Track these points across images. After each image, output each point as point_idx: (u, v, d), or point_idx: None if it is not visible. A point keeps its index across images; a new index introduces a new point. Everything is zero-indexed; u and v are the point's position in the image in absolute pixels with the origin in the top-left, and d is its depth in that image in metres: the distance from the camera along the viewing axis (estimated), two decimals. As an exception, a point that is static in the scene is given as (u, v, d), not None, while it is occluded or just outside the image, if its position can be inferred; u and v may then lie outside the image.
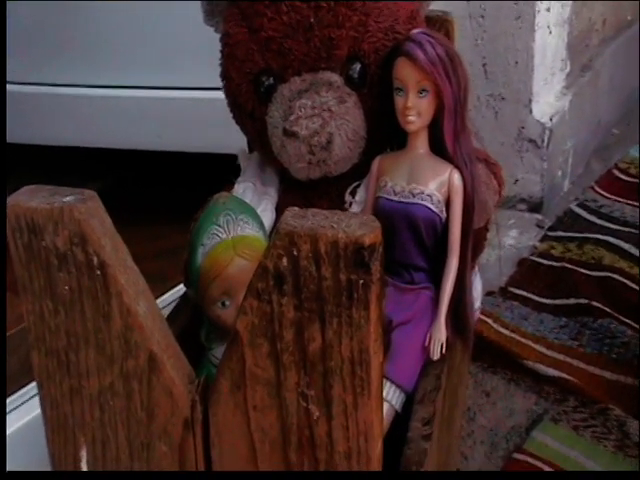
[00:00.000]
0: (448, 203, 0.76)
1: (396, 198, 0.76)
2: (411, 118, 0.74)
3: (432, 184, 0.75)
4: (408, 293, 0.78)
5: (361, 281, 0.52)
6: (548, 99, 1.66)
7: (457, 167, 0.75)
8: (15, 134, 1.51)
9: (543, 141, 1.59)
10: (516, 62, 1.57)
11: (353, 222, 0.51)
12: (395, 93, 0.75)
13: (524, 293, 1.37)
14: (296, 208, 0.53)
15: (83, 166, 1.72)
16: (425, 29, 0.79)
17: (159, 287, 1.18)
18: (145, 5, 1.35)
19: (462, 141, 0.75)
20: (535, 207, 1.65)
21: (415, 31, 0.76)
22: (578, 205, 1.68)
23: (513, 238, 1.57)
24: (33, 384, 0.96)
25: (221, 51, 0.84)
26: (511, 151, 1.62)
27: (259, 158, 0.88)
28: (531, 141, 1.60)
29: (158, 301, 1.23)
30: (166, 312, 0.84)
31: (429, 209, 0.75)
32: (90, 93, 1.44)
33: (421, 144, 0.76)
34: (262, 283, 0.54)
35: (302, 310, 0.54)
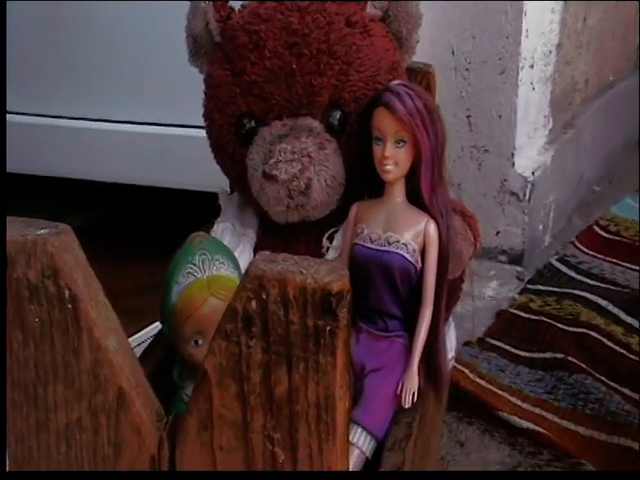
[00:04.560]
0: (423, 253, 0.76)
1: (372, 245, 0.77)
2: (388, 167, 0.75)
3: (408, 233, 0.76)
4: (382, 340, 0.78)
5: (328, 327, 0.52)
6: (530, 153, 1.67)
7: (433, 218, 0.76)
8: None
9: (525, 194, 1.61)
10: (500, 116, 1.59)
11: (322, 269, 0.52)
12: (374, 142, 0.76)
13: (501, 345, 1.37)
14: (267, 252, 0.54)
15: (65, 198, 1.73)
16: (405, 81, 0.80)
17: (139, 323, 1.18)
18: (136, 42, 1.37)
19: (439, 192, 0.76)
20: (516, 259, 1.66)
21: (395, 82, 0.77)
22: (558, 260, 1.69)
23: (493, 289, 1.58)
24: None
25: (205, 92, 0.86)
26: (493, 203, 1.63)
27: (239, 199, 0.89)
28: (513, 194, 1.62)
29: (136, 337, 1.23)
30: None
31: (404, 258, 0.75)
32: (78, 125, 1.45)
33: (398, 193, 0.77)
34: (231, 324, 0.55)
35: (269, 353, 0.54)
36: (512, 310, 1.49)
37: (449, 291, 0.78)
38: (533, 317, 1.45)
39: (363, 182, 0.81)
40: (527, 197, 1.61)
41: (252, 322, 0.54)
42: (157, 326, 1.12)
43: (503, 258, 1.66)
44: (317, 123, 0.79)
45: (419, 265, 0.76)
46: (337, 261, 0.79)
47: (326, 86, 0.79)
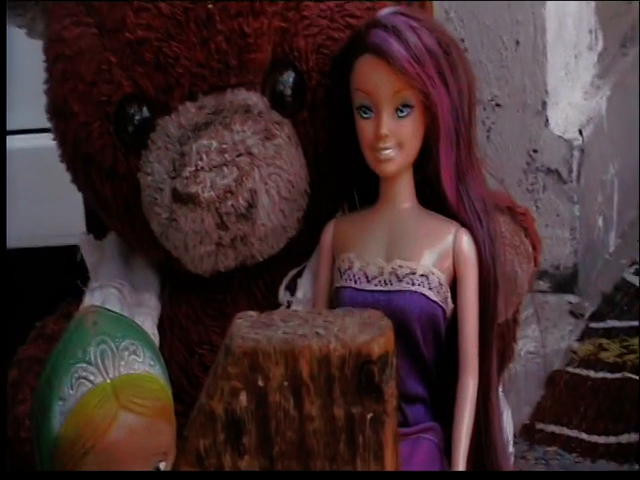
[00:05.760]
0: (454, 284, 0.80)
1: (371, 286, 0.80)
2: (387, 152, 0.78)
3: (428, 256, 0.80)
4: (401, 441, 0.80)
5: (369, 415, 0.55)
6: (573, 99, 1.69)
7: (465, 224, 0.80)
8: None
9: (571, 170, 1.62)
10: (517, 42, 1.60)
11: (349, 322, 0.55)
12: (357, 114, 0.79)
13: (563, 430, 1.41)
14: (252, 313, 0.56)
15: None
16: (399, 6, 0.83)
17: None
18: None
19: (470, 181, 0.80)
20: (565, 283, 1.68)
21: (385, 11, 0.81)
22: (636, 272, 1.73)
23: (533, 339, 1.54)
24: None
25: (47, 69, 0.89)
26: (518, 191, 1.61)
27: (121, 247, 0.92)
28: (550, 171, 1.62)
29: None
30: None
31: (426, 297, 0.79)
32: None
33: (404, 194, 0.81)
34: (206, 439, 0.57)
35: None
36: (572, 370, 1.52)
37: (500, 342, 0.82)
38: (610, 375, 1.49)
39: (340, 183, 0.86)
40: (574, 174, 1.62)
41: (242, 429, 0.56)
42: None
43: (543, 284, 1.66)
44: (257, 96, 0.83)
45: (450, 305, 0.80)
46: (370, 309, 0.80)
47: (267, 33, 0.82)
